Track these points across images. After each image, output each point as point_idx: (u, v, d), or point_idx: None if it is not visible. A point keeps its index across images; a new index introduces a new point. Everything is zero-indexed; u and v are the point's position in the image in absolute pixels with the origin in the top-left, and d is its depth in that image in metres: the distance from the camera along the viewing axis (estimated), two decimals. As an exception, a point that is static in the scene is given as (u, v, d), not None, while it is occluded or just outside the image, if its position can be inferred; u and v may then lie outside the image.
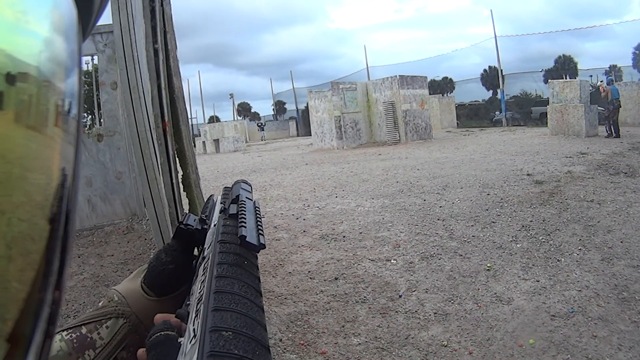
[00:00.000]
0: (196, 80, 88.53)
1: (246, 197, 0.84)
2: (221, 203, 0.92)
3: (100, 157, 6.79)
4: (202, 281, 0.63)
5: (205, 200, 1.11)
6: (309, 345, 3.36)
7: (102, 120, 6.97)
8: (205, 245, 0.80)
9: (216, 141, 29.68)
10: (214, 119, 52.40)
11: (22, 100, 0.22)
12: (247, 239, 0.63)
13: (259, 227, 0.70)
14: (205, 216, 0.92)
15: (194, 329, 0.52)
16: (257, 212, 0.78)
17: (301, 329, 3.58)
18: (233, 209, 0.78)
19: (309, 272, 4.66)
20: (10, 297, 0.20)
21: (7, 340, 0.20)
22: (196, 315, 0.55)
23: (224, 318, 0.48)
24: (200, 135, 32.02)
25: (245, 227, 0.66)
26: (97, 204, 6.74)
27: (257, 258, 0.67)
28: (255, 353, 0.45)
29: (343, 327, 3.58)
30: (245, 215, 0.71)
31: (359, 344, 3.33)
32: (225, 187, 1.03)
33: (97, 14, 0.35)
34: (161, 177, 2.99)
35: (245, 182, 0.95)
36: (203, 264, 0.71)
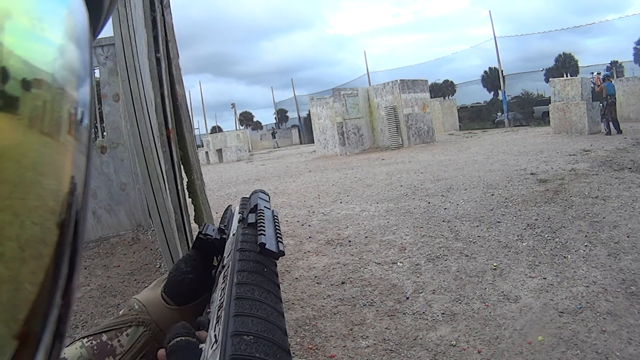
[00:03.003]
0: (197, 90, 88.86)
1: (264, 206, 0.85)
2: (239, 213, 0.93)
3: (104, 169, 6.81)
4: (223, 289, 0.64)
5: (224, 209, 1.11)
6: (318, 349, 3.36)
7: (105, 133, 6.99)
8: (225, 254, 0.80)
9: (219, 151, 29.72)
10: (216, 129, 52.60)
11: (36, 106, 0.22)
12: (266, 247, 0.65)
13: (278, 234, 0.71)
14: (224, 226, 0.93)
15: (215, 335, 0.53)
16: (276, 220, 0.79)
17: (309, 334, 3.58)
18: (252, 218, 0.79)
19: (316, 277, 4.66)
20: (23, 298, 0.21)
21: (17, 338, 0.20)
22: (217, 322, 0.56)
23: (245, 323, 0.50)
24: (203, 146, 32.03)
25: (264, 234, 0.68)
26: (102, 215, 6.75)
27: (276, 265, 0.68)
28: (276, 356, 0.46)
29: (351, 330, 3.58)
30: (264, 223, 0.73)
31: (368, 346, 3.33)
32: (243, 198, 1.05)
33: (104, 19, 0.34)
34: (166, 185, 3.00)
35: (263, 192, 0.97)
36: (223, 272, 0.72)
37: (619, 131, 15.10)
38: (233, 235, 0.82)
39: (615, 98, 15.92)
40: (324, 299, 4.15)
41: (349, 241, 5.70)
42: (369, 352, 3.26)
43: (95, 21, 0.31)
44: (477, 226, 5.69)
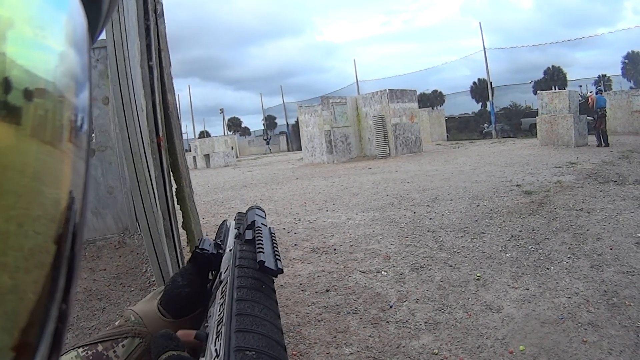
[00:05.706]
0: (185, 94, 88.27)
1: (262, 223, 0.87)
2: (235, 228, 0.95)
3: (92, 171, 6.75)
4: (221, 304, 0.66)
5: (219, 225, 1.13)
6: (301, 356, 3.37)
7: (94, 135, 6.94)
8: (222, 270, 0.82)
9: (207, 156, 29.57)
10: (204, 134, 52.48)
11: (38, 116, 0.22)
12: (265, 264, 0.67)
13: (276, 252, 0.73)
14: (220, 241, 0.94)
15: (215, 349, 0.55)
16: (273, 237, 0.80)
17: (293, 340, 3.59)
18: (249, 235, 0.81)
19: (301, 284, 4.67)
20: (26, 307, 0.21)
21: (14, 349, 0.20)
22: (217, 337, 0.58)
23: (246, 339, 0.52)
24: (190, 150, 31.85)
25: (263, 252, 0.70)
26: (89, 218, 6.67)
27: (273, 282, 0.70)
28: None
29: (335, 337, 3.59)
30: (262, 240, 0.75)
31: (351, 353, 3.34)
32: (239, 213, 1.07)
33: (103, 22, 0.34)
34: (155, 190, 3.01)
35: (260, 209, 0.98)
36: (221, 288, 0.74)
37: (607, 144, 15.30)
38: (230, 250, 0.84)
39: (605, 111, 16.14)
40: (309, 306, 4.16)
41: (334, 249, 5.72)
42: (352, 359, 3.28)
43: (94, 25, 0.32)
44: (462, 237, 5.73)
